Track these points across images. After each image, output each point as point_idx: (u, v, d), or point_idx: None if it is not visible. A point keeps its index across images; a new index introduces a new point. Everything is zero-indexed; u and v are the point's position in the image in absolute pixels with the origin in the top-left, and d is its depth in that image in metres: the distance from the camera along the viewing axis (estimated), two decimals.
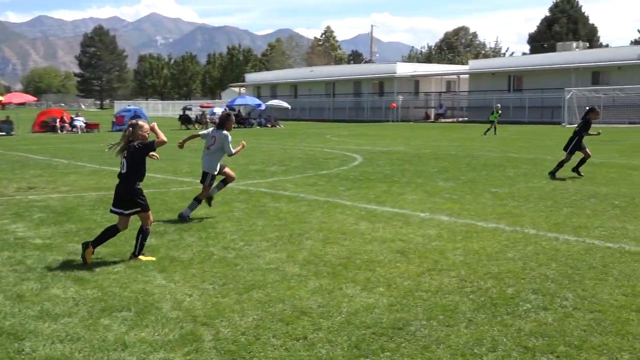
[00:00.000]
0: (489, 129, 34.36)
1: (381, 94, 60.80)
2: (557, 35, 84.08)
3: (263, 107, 48.01)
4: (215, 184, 9.94)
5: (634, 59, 44.87)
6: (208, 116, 47.68)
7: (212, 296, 5.95)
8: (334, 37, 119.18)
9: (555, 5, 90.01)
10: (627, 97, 41.64)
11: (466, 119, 54.92)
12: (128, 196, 7.03)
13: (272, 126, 47.63)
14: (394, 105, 55.01)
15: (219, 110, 49.26)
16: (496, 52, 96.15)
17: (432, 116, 58.19)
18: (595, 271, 6.65)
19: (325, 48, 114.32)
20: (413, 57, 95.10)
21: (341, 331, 5.06)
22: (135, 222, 7.76)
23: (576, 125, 15.31)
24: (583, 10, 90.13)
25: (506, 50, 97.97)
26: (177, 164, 18.48)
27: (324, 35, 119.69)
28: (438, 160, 19.12)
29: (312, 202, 11.34)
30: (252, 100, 49.13)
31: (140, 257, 7.17)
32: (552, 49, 71.11)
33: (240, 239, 8.26)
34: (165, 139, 7.01)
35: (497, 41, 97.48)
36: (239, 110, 44.46)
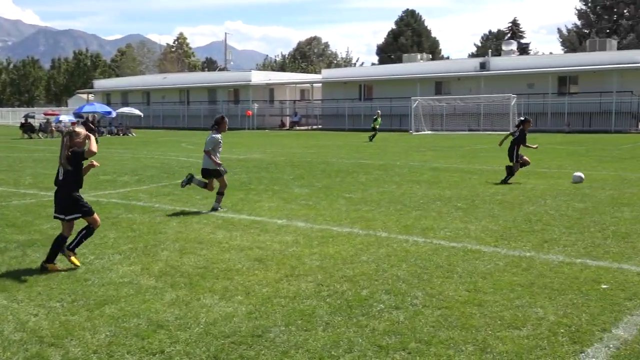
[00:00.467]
0: (373, 135, 34.96)
1: (236, 101, 60.62)
2: (403, 47, 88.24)
3: (114, 114, 46.20)
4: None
5: (471, 71, 48.09)
6: (53, 124, 45.02)
7: (60, 314, 5.62)
8: (187, 44, 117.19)
9: (401, 19, 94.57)
10: (466, 106, 44.57)
11: (320, 126, 56.11)
12: (67, 203, 7.06)
13: (123, 134, 45.95)
14: (250, 113, 55.10)
15: (65, 118, 46.63)
16: (347, 62, 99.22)
17: (288, 124, 58.87)
18: (441, 270, 7.04)
19: (179, 55, 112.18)
20: (267, 65, 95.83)
21: (199, 342, 4.97)
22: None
23: (509, 133, 15.55)
24: (426, 24, 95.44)
25: (357, 61, 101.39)
26: (18, 175, 17.29)
27: (176, 42, 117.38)
28: (294, 167, 19.36)
29: (167, 212, 11.06)
30: (102, 108, 47.06)
31: (72, 256, 7.21)
32: (399, 60, 74.47)
33: (90, 253, 7.88)
34: (95, 149, 6.99)
35: (348, 51, 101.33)
36: (87, 118, 42.40)
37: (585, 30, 77.36)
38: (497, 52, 74.90)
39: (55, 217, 7.31)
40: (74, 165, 7.02)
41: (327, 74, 59.20)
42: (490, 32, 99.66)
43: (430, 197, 12.58)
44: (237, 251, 8.01)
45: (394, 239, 8.65)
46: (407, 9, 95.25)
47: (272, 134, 47.30)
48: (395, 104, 50.43)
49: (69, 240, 7.25)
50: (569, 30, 79.44)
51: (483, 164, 19.72)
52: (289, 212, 11.00)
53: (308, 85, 60.87)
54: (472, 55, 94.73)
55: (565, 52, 75.68)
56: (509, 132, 15.89)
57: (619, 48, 60.56)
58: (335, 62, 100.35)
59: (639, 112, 40.50)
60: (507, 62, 48.08)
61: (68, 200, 7.06)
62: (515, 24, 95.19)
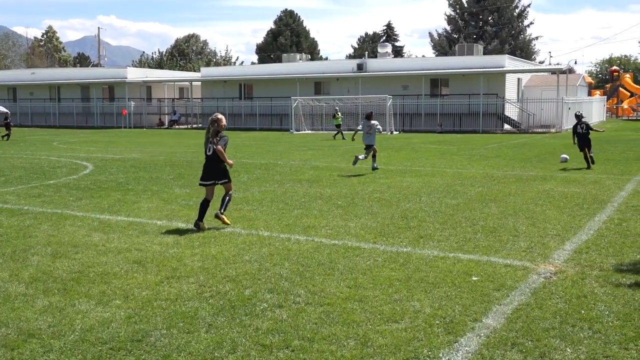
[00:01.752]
0: (337, 133, 34.79)
1: (112, 99, 58.43)
2: (282, 47, 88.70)
3: None
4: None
5: (349, 72, 49.17)
6: None
7: None
8: (57, 38, 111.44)
9: (280, 19, 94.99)
10: (345, 105, 45.47)
11: (200, 125, 55.27)
12: (216, 171, 9.59)
13: None
14: (125, 111, 53.31)
15: None
16: (227, 61, 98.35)
17: (166, 123, 57.51)
18: (323, 267, 7.15)
19: (48, 49, 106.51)
20: (144, 62, 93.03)
21: (75, 350, 4.75)
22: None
23: (581, 129, 18.31)
24: (305, 25, 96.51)
25: (236, 59, 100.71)
26: None
27: (45, 36, 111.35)
28: (174, 167, 18.97)
29: (38, 214, 10.48)
30: None
31: (224, 216, 9.51)
32: (279, 59, 74.78)
33: None
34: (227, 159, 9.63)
35: (227, 50, 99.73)
36: None
37: (455, 35, 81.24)
38: (374, 54, 77.12)
39: (201, 185, 9.76)
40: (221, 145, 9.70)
41: (207, 72, 58.38)
42: (366, 34, 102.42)
43: (312, 196, 12.75)
44: (115, 254, 7.73)
45: (276, 238, 8.69)
46: (286, 9, 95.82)
47: (150, 132, 46.01)
48: (275, 104, 50.62)
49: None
50: (439, 35, 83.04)
51: (361, 163, 20.26)
52: (169, 212, 10.76)
53: (187, 83, 59.75)
54: (350, 57, 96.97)
55: (437, 55, 79.17)
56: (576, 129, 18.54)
57: (485, 53, 64.30)
58: (214, 60, 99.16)
59: (504, 113, 43.06)
60: (383, 64, 49.55)
61: (218, 169, 9.63)
62: (390, 27, 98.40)
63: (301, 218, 10.23)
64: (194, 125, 55.53)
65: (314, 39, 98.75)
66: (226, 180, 9.62)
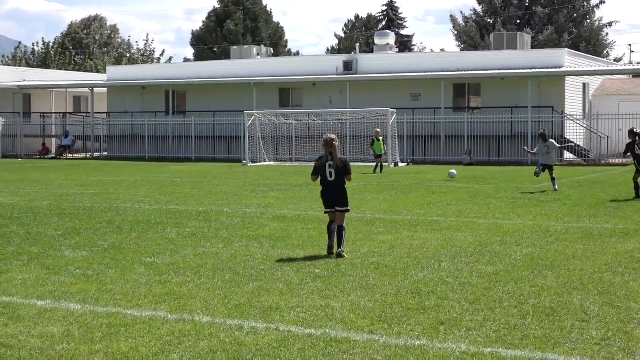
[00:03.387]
0: (378, 166, 35.18)
1: None
2: (231, 37, 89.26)
3: None
4: None
5: (332, 74, 49.35)
6: None
7: None
8: None
9: None
10: (326, 124, 45.18)
11: (106, 153, 55.12)
12: (342, 197, 13.62)
13: None
14: None
15: None
16: (147, 57, 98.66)
17: (54, 150, 57.30)
18: None
19: None
20: (20, 58, 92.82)
21: None
22: None
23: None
24: (265, 3, 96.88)
25: (161, 54, 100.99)
26: None
27: None
28: (64, 217, 18.83)
29: None
30: None
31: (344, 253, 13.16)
32: (226, 55, 75.14)
33: None
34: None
35: (148, 40, 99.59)
36: None
37: (489, 20, 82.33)
38: (368, 48, 77.98)
39: (327, 212, 13.74)
40: (343, 171, 13.58)
41: (116, 73, 58.48)
42: (357, 17, 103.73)
43: (275, 261, 12.68)
44: None
45: (221, 326, 8.61)
46: None
47: (28, 164, 45.78)
48: (220, 121, 50.70)
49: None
50: (466, 19, 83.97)
51: (351, 210, 20.25)
52: (56, 287, 10.65)
53: (86, 90, 59.74)
54: (333, 51, 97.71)
55: (463, 49, 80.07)
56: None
57: (534, 46, 65.14)
58: (128, 55, 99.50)
59: (563, 136, 43.32)
60: (382, 61, 49.93)
61: (343, 195, 13.70)
62: (392, 7, 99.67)
63: (259, 295, 10.16)
64: (97, 154, 55.39)
65: (278, 24, 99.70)
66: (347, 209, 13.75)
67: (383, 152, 36.37)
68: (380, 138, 36.48)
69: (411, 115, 45.71)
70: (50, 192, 25.94)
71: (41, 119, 59.05)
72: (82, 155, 56.25)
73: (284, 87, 51.00)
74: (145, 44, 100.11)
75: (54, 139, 58.68)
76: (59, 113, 60.04)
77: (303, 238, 15.29)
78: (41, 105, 60.30)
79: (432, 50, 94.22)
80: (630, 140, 21.87)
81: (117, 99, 56.19)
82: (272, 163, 45.03)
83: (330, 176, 13.36)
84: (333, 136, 13.49)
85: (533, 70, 44.09)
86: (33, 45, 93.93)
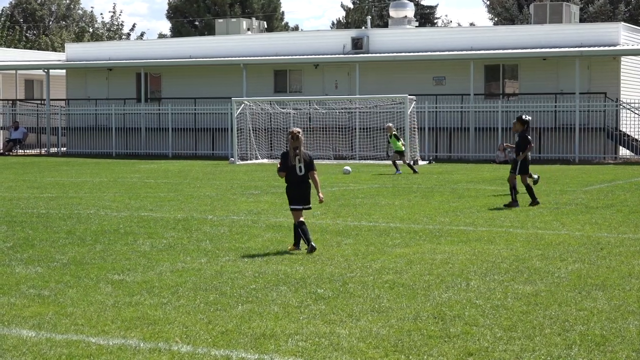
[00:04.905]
0: (406, 164, 35.19)
1: None
2: (215, 7, 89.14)
3: None
4: None
5: (338, 53, 49.24)
6: None
7: None
8: None
9: None
10: (330, 114, 45.36)
11: (65, 149, 55.05)
12: (309, 193, 15.47)
13: None
14: None
15: None
16: (115, 32, 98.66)
17: (2, 145, 57.29)
18: None
19: None
20: None
21: None
22: None
23: None
24: None
25: (131, 29, 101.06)
26: None
27: None
28: (13, 225, 18.87)
29: None
30: None
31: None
32: (209, 30, 74.97)
33: None
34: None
35: (115, 12, 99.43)
36: None
37: None
38: (382, 21, 77.89)
39: (296, 210, 15.36)
40: (310, 167, 15.49)
41: (76, 52, 58.41)
42: None
43: (270, 277, 12.70)
44: None
45: (204, 357, 8.64)
46: None
47: None
48: (203, 110, 50.61)
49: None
50: None
51: (360, 217, 20.25)
52: (5, 310, 10.66)
53: (40, 72, 59.71)
54: (339, 26, 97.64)
55: (496, 23, 79.96)
56: None
57: (583, 19, 64.89)
58: (91, 30, 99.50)
59: (618, 128, 43.16)
60: (399, 38, 49.84)
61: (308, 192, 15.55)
62: None
63: (250, 320, 10.18)
64: (54, 150, 55.30)
65: None
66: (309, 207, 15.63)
67: (402, 148, 36.04)
68: (395, 133, 36.18)
69: (434, 103, 45.65)
70: None
71: None
72: (36, 151, 56.20)
73: (280, 69, 50.95)
74: (112, 16, 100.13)
75: (1, 132, 58.63)
76: (7, 100, 59.96)
77: (302, 251, 15.29)
78: None
79: (459, 25, 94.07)
80: None
81: (78, 83, 56.12)
82: (265, 161, 44.95)
83: (300, 171, 15.19)
84: (299, 129, 15.63)
85: (582, 49, 43.89)
86: None
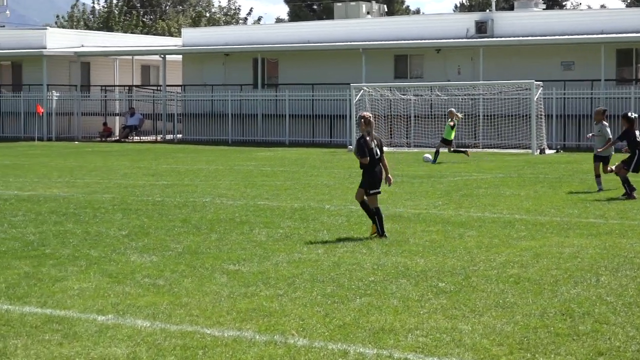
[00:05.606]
0: (438, 151, 35.05)
1: (16, 86, 59.32)
2: None
3: None
4: None
5: (461, 37, 48.99)
6: None
7: None
8: None
9: None
10: (452, 100, 45.08)
11: (180, 136, 55.67)
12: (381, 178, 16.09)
13: None
14: (41, 109, 53.62)
15: None
16: (232, 17, 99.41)
17: (117, 131, 58.15)
18: None
19: None
20: (77, 19, 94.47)
21: None
22: None
23: None
24: None
25: (249, 13, 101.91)
26: None
27: None
28: (129, 213, 19.15)
29: None
30: None
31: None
32: (328, 14, 75.02)
33: None
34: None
35: None
36: None
37: None
38: (507, 4, 77.12)
39: (376, 194, 15.99)
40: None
41: (193, 37, 58.97)
42: None
43: (389, 270, 12.69)
44: None
45: (321, 351, 8.65)
46: None
47: (86, 148, 46.63)
48: (320, 96, 50.75)
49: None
50: None
51: (483, 208, 20.10)
52: (119, 299, 10.82)
53: (157, 58, 60.46)
54: (462, 9, 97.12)
55: (629, 4, 78.64)
56: None
57: None
58: (208, 15, 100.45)
59: None
60: (525, 21, 49.36)
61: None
62: None
63: (369, 313, 10.17)
64: (170, 136, 55.97)
65: None
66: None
67: (451, 138, 35.53)
68: (455, 122, 35.77)
69: (562, 90, 45.08)
70: (113, 183, 26.41)
71: (102, 93, 59.90)
72: (152, 137, 56.93)
73: (400, 54, 50.81)
74: (229, 0, 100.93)
75: (117, 118, 59.49)
76: (124, 86, 60.79)
77: (423, 243, 15.23)
78: (102, 76, 60.95)
79: (589, 7, 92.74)
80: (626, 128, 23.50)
81: (195, 69, 56.68)
82: (385, 149, 44.83)
83: (376, 155, 15.97)
84: (367, 114, 16.40)
85: None
86: (93, 2, 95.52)
